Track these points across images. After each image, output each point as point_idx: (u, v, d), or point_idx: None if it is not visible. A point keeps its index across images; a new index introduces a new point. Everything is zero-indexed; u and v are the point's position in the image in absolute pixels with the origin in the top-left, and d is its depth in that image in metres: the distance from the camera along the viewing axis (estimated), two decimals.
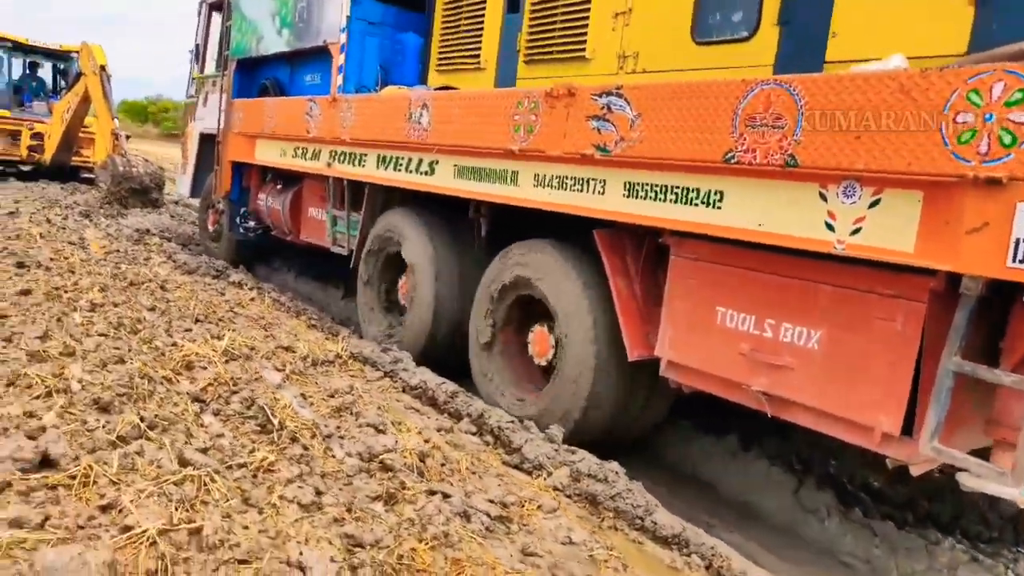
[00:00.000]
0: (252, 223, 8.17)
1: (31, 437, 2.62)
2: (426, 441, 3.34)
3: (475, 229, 4.95)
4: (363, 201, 5.90)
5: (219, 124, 8.13)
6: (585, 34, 4.49)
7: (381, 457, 3.02)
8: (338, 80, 5.97)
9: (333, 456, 3.04)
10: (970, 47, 2.89)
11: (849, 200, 2.72)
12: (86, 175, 15.95)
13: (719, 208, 3.17)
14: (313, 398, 3.75)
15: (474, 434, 3.87)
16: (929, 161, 2.42)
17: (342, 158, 5.91)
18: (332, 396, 3.81)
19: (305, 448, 3.01)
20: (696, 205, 3.26)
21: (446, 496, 2.80)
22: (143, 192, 12.27)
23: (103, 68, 13.04)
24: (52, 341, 3.76)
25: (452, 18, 5.64)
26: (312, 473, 2.80)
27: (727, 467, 4.09)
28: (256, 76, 7.95)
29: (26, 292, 4.65)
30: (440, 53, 5.75)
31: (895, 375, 2.61)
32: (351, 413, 3.58)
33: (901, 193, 2.56)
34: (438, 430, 3.70)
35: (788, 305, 2.98)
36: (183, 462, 2.65)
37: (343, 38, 5.96)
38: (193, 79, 9.41)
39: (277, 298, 6.54)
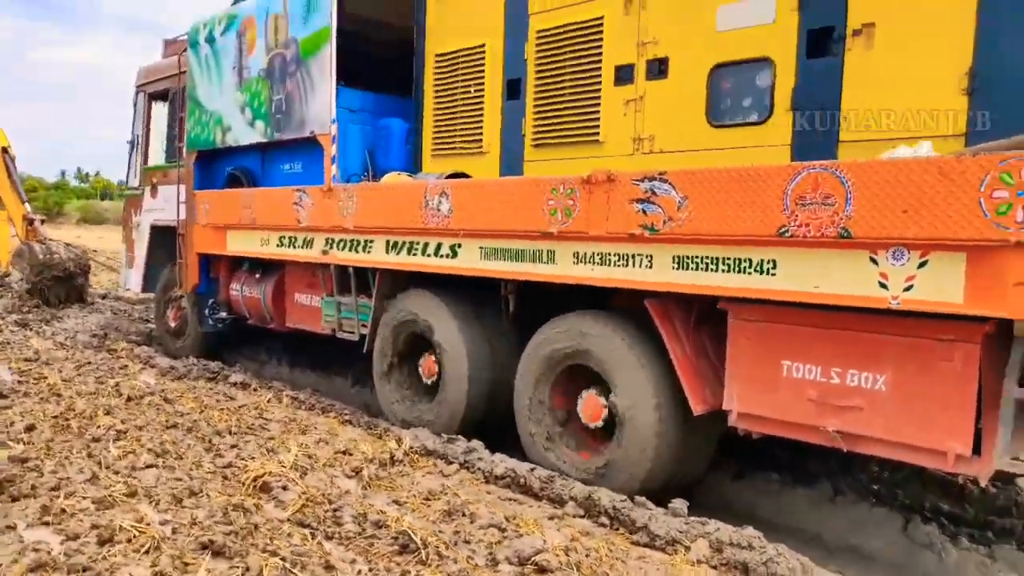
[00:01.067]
0: (223, 314, 8.18)
1: None
2: (558, 530, 3.46)
3: (503, 305, 5.29)
4: (369, 286, 6.14)
5: (179, 216, 8.15)
6: (597, 120, 4.96)
7: (534, 559, 3.09)
8: (332, 170, 6.21)
9: (476, 564, 3.11)
10: (967, 130, 3.53)
11: (899, 263, 3.26)
12: None
13: (773, 275, 3.67)
14: (410, 503, 3.81)
15: (583, 517, 3.89)
16: (973, 229, 2.99)
17: (342, 245, 6.14)
18: (428, 499, 3.87)
19: (455, 561, 3.06)
20: (749, 273, 3.75)
21: None
22: (68, 279, 11.77)
23: (6, 150, 12.47)
24: (106, 483, 3.62)
25: (446, 105, 6.02)
26: None
27: (826, 513, 4.40)
28: (217, 166, 8.04)
29: (31, 428, 4.45)
30: (436, 138, 6.11)
31: (961, 406, 3.15)
32: (463, 515, 3.62)
33: (946, 255, 3.12)
34: (549, 518, 3.76)
35: (851, 355, 3.49)
36: None
37: (334, 129, 6.22)
38: (141, 170, 9.31)
39: (295, 396, 6.38)
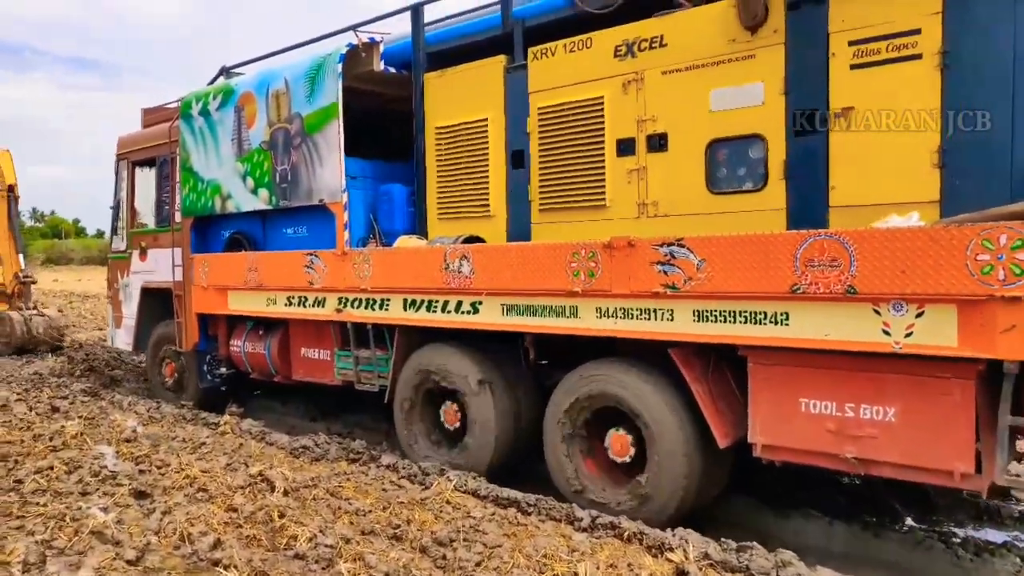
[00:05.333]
0: (223, 369, 8.42)
1: None
2: None
3: (523, 355, 5.77)
4: (387, 340, 6.54)
5: (174, 278, 8.39)
6: (603, 187, 5.50)
7: None
8: (345, 235, 6.60)
9: None
10: (941, 197, 4.20)
11: (899, 313, 3.87)
12: None
13: (787, 325, 4.25)
14: None
15: None
16: (962, 287, 3.62)
17: (357, 304, 6.51)
18: None
19: None
20: (764, 324, 4.32)
21: None
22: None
23: (12, 188, 12.02)
24: None
25: (450, 172, 6.48)
26: None
27: None
28: (213, 230, 8.32)
29: (218, 544, 3.99)
30: (441, 203, 6.56)
31: (962, 433, 3.77)
32: None
33: (940, 307, 3.73)
34: None
35: (863, 391, 4.09)
36: None
37: (345, 198, 6.63)
38: (127, 234, 9.49)
39: (476, 489, 5.31)
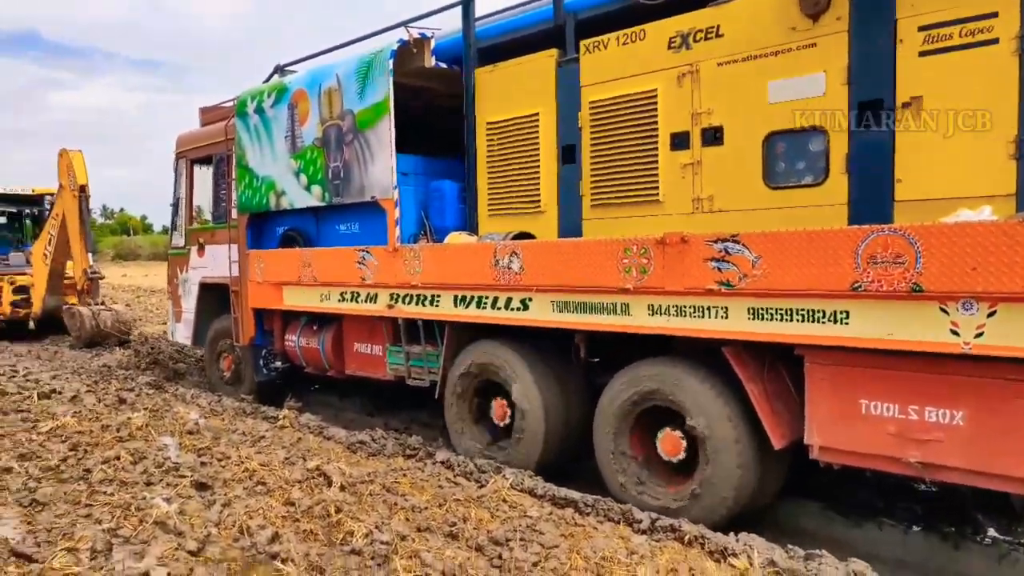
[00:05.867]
0: (278, 363, 8.54)
1: None
2: None
3: (573, 352, 5.70)
4: (435, 336, 6.54)
5: (231, 274, 8.54)
6: (656, 182, 5.38)
7: None
8: (396, 232, 6.61)
9: None
10: (1018, 190, 3.97)
11: (968, 312, 3.68)
12: None
13: (847, 324, 4.08)
14: None
15: None
16: None
17: (408, 300, 6.52)
18: None
19: None
20: (823, 323, 4.16)
21: None
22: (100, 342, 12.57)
23: (83, 189, 12.61)
24: None
25: (500, 168, 6.43)
26: None
27: None
28: (267, 227, 8.44)
29: (275, 537, 3.94)
30: (492, 199, 6.51)
31: None
32: None
33: (1014, 307, 3.54)
34: None
35: (927, 393, 3.91)
36: None
37: (396, 194, 6.63)
38: (186, 231, 9.71)
39: (533, 488, 5.20)
